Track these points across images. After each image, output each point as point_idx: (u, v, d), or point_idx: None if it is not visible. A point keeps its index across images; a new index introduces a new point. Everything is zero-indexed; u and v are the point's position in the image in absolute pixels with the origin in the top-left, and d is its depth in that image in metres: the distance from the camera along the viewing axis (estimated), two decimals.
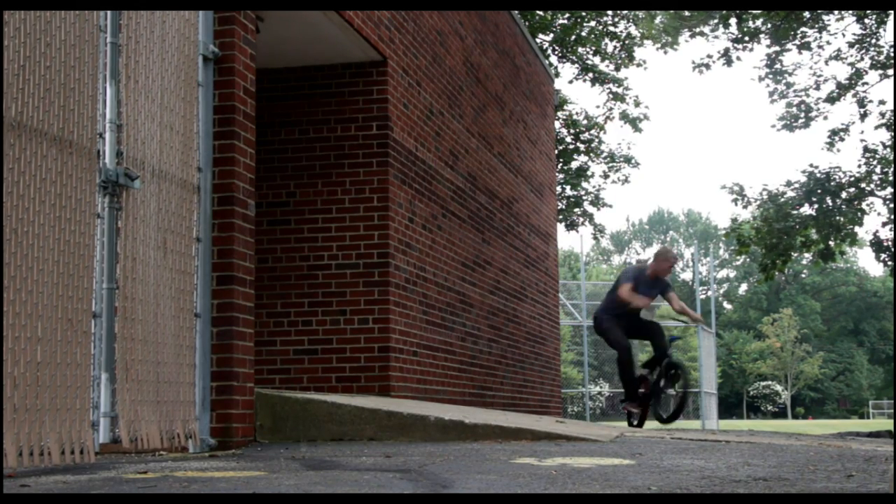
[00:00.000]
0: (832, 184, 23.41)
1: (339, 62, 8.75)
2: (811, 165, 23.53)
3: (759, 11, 22.81)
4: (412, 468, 4.02)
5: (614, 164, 24.05)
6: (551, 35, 22.99)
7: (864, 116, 24.29)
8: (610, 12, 22.84)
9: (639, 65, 23.53)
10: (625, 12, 22.96)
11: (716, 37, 24.09)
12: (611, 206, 24.91)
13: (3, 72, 4.03)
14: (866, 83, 24.50)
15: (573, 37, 22.85)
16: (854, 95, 24.50)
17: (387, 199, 8.56)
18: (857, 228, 23.90)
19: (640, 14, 23.17)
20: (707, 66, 24.53)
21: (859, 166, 24.01)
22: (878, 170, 23.71)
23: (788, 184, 23.91)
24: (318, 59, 8.73)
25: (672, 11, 23.41)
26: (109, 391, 4.62)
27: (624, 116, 23.42)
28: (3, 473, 3.86)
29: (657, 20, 23.71)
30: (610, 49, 23.27)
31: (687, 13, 23.33)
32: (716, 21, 23.49)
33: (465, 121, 10.92)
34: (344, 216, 8.62)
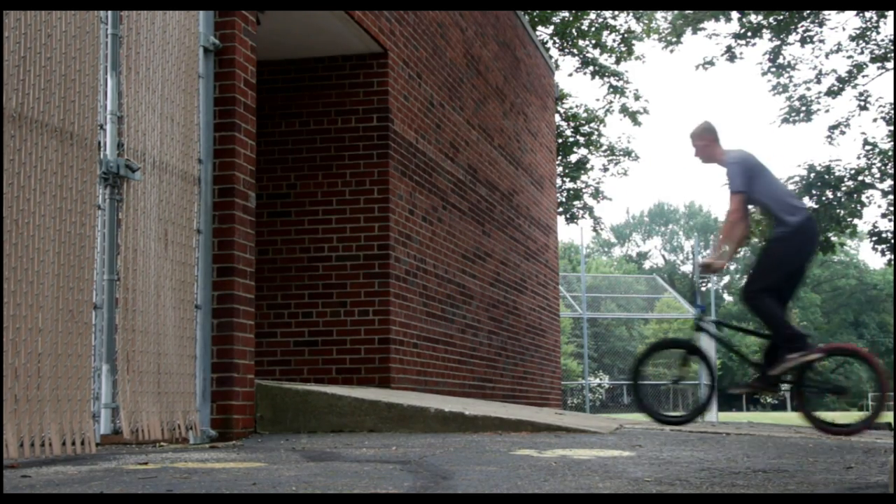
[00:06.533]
0: (832, 176, 23.40)
1: (340, 54, 8.75)
2: (808, 165, 23.52)
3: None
4: (412, 460, 4.03)
5: (614, 157, 24.06)
6: (552, 28, 22.97)
7: (863, 108, 24.28)
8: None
9: (638, 58, 23.53)
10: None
11: (716, 33, 24.18)
12: (610, 199, 25.00)
13: (4, 63, 4.03)
14: (866, 76, 24.49)
15: (573, 30, 22.84)
16: (854, 88, 24.49)
17: (387, 191, 8.56)
18: (856, 221, 23.90)
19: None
20: (711, 63, 24.60)
21: (858, 158, 24.00)
22: (877, 162, 23.71)
23: (789, 178, 23.91)
24: (319, 51, 8.72)
25: (675, 11, 23.45)
26: (110, 382, 4.63)
27: (624, 110, 23.41)
28: (3, 464, 3.87)
29: (664, 23, 23.74)
30: (610, 42, 23.25)
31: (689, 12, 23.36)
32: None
33: (466, 113, 10.91)
34: (344, 208, 8.62)
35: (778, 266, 6.86)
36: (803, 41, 24.29)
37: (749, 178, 6.89)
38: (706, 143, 7.21)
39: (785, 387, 6.86)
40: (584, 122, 23.25)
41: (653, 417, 7.33)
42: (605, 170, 24.15)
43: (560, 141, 22.52)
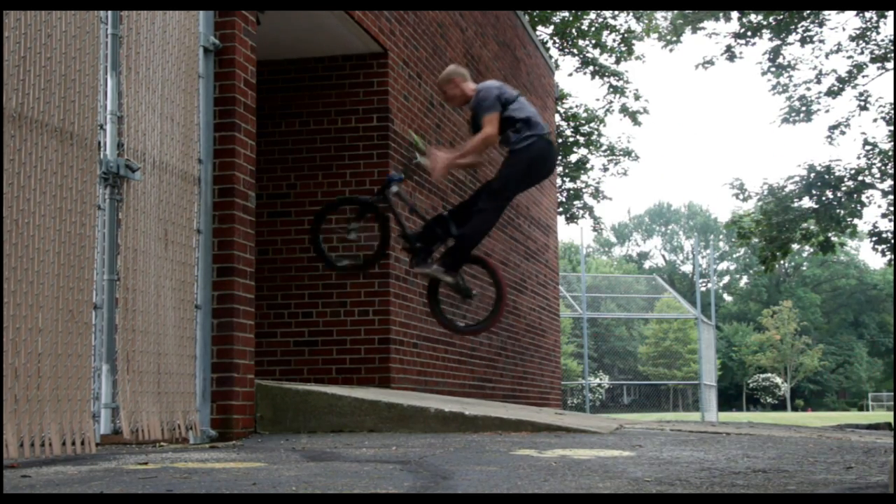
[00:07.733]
0: (832, 176, 23.41)
1: (340, 54, 8.75)
2: (808, 165, 23.53)
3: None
4: (412, 459, 4.03)
5: (614, 156, 24.06)
6: (552, 28, 22.97)
7: (863, 108, 24.29)
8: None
9: (638, 58, 23.53)
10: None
11: (716, 33, 24.26)
12: (611, 199, 25.06)
13: (4, 63, 4.03)
14: (866, 76, 24.50)
15: (573, 30, 22.84)
16: (854, 88, 24.51)
17: None
18: (856, 221, 23.91)
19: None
20: (711, 63, 24.63)
21: (858, 158, 24.02)
22: (877, 162, 23.72)
23: (789, 178, 23.94)
24: (319, 51, 8.72)
25: (675, 11, 23.49)
26: (110, 382, 4.63)
27: (624, 110, 23.41)
28: (3, 464, 3.87)
29: (664, 22, 23.77)
30: (610, 42, 23.25)
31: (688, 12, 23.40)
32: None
33: (466, 113, 10.90)
34: (344, 208, 8.60)
35: (524, 179, 7.06)
36: (803, 41, 24.30)
37: (498, 100, 6.72)
38: (455, 85, 6.97)
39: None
40: (584, 121, 23.25)
41: (326, 263, 7.43)
42: (605, 170, 24.16)
43: (560, 141, 22.52)
